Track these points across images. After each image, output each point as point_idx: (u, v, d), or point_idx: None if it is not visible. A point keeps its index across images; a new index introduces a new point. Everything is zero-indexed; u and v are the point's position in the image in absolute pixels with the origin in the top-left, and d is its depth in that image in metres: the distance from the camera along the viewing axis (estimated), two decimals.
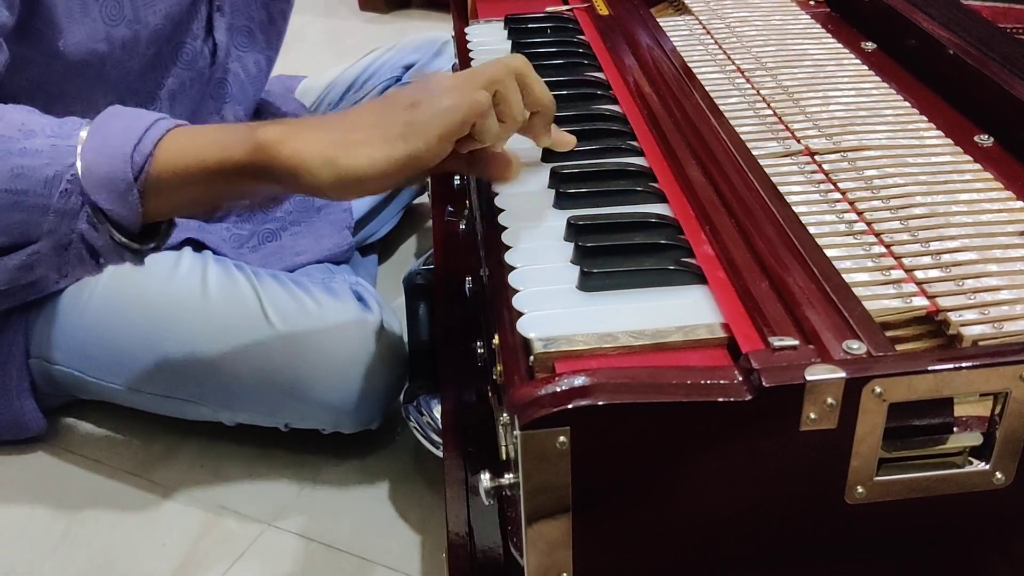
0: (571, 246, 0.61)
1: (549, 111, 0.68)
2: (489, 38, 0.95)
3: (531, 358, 0.52)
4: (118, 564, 0.91)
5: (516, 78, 0.65)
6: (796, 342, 0.50)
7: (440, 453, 0.87)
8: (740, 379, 0.48)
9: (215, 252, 1.04)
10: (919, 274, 0.59)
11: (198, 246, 1.04)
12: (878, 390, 0.48)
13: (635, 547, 0.52)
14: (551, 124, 0.69)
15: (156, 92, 0.97)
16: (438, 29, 1.38)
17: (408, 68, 1.31)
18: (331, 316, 0.97)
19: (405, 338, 1.00)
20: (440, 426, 0.89)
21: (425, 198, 1.32)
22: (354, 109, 0.67)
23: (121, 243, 0.68)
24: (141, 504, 0.97)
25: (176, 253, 1.02)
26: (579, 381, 0.47)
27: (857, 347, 0.50)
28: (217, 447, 1.03)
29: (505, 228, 0.64)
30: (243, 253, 1.09)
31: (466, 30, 0.98)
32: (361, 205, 1.22)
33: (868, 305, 0.55)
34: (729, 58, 0.89)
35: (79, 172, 0.65)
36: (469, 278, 0.86)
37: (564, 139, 0.71)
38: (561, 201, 0.66)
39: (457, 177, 1.01)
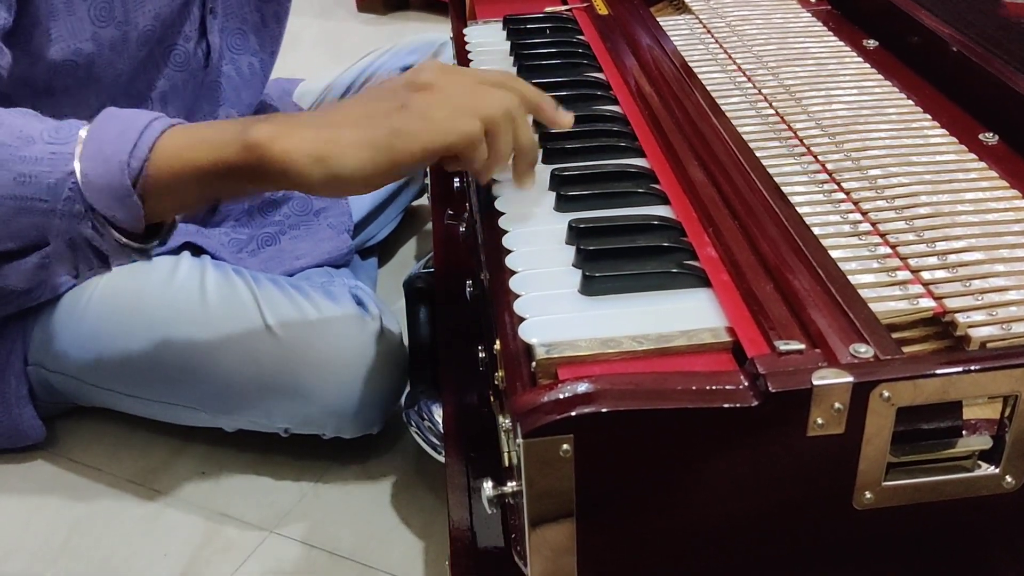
0: (572, 249, 0.60)
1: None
2: (488, 39, 0.94)
3: (533, 364, 0.52)
4: (120, 573, 0.90)
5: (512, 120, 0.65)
6: (802, 346, 0.49)
7: (442, 458, 0.86)
8: (746, 384, 0.47)
9: (213, 256, 1.04)
10: (925, 275, 0.58)
11: (196, 250, 1.04)
12: (886, 394, 0.47)
13: (641, 554, 0.51)
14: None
15: (148, 94, 0.97)
16: (436, 30, 1.37)
17: (406, 70, 1.30)
18: (331, 320, 0.96)
19: (406, 342, 1.00)
20: (442, 431, 0.88)
21: (425, 200, 1.31)
22: (346, 101, 0.68)
23: (125, 244, 0.69)
24: (142, 513, 0.97)
25: (174, 258, 1.01)
26: (582, 388, 0.47)
27: (864, 351, 0.49)
28: (217, 454, 1.03)
29: (506, 231, 0.64)
30: (242, 257, 1.08)
31: (464, 31, 0.97)
32: (360, 208, 1.21)
33: (874, 307, 0.54)
34: (730, 57, 0.88)
35: (79, 180, 0.66)
36: (470, 281, 0.85)
37: (564, 119, 0.71)
38: (562, 204, 0.66)
39: (457, 179, 1.00)
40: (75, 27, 0.87)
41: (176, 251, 1.02)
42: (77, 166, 0.66)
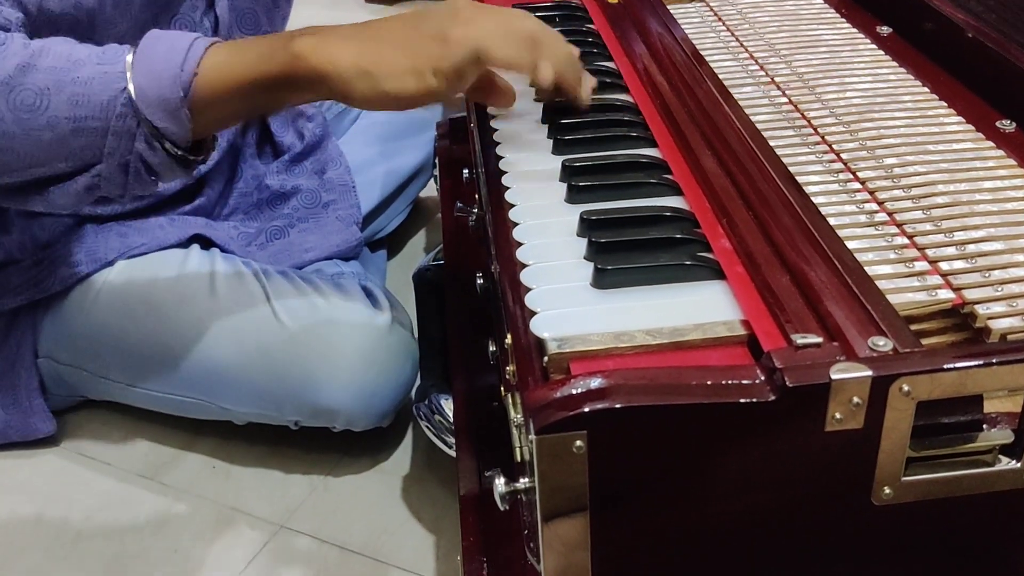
0: (584, 242, 0.59)
1: (575, 73, 0.73)
2: None
3: (545, 359, 0.51)
4: (131, 569, 0.90)
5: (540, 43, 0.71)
6: (820, 339, 0.48)
7: (453, 452, 0.86)
8: (762, 379, 0.46)
9: (223, 250, 1.03)
10: (944, 265, 0.57)
11: (206, 244, 1.03)
12: (906, 388, 0.46)
13: (655, 549, 0.51)
14: (580, 78, 0.74)
15: None
16: None
17: None
18: (340, 313, 0.96)
19: (416, 335, 0.99)
20: (452, 424, 0.87)
21: (434, 191, 1.30)
22: (380, 22, 0.72)
23: (176, 156, 0.72)
24: (152, 507, 0.96)
25: (184, 251, 1.01)
26: (595, 383, 0.46)
27: (883, 344, 0.48)
28: (228, 447, 1.02)
29: (516, 224, 0.63)
30: (251, 251, 1.07)
31: None
32: (369, 200, 1.20)
33: (892, 299, 0.53)
34: (742, 45, 0.87)
35: (132, 95, 0.70)
36: (480, 273, 0.84)
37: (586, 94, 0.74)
38: (573, 195, 0.65)
39: (466, 170, 0.99)
40: None
41: (185, 244, 1.02)
42: (130, 82, 0.69)
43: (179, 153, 0.72)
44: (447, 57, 0.68)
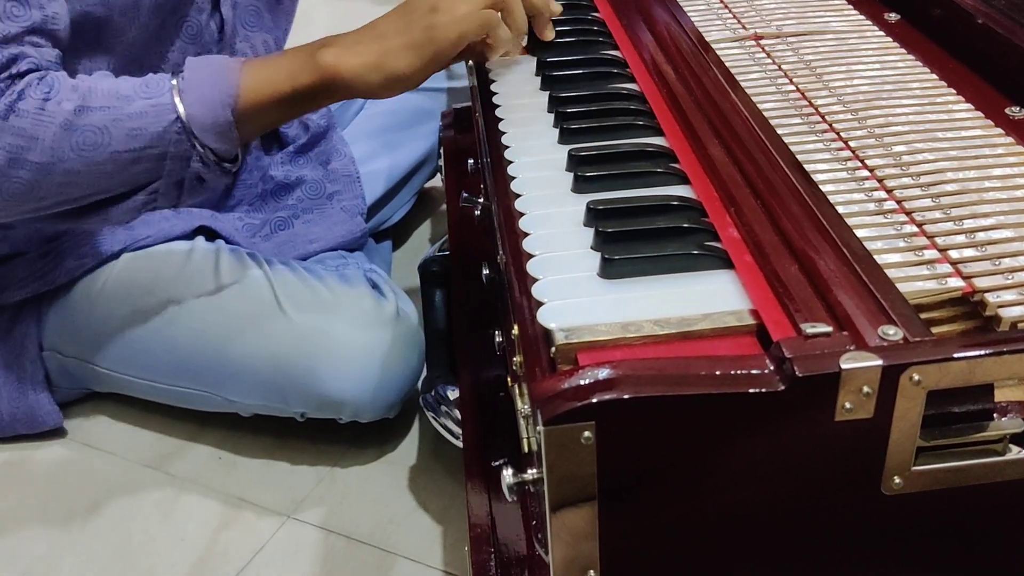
0: (591, 232, 0.59)
1: (545, 10, 0.84)
2: None
3: (552, 349, 0.51)
4: (138, 559, 0.90)
5: None
6: (829, 328, 0.48)
7: (459, 443, 0.86)
8: (772, 369, 0.46)
9: (228, 241, 1.03)
10: (953, 254, 0.57)
11: (211, 235, 1.03)
12: (916, 377, 0.46)
13: (664, 539, 0.51)
14: (550, 21, 0.85)
15: (159, 65, 0.96)
16: None
17: None
18: (345, 304, 0.96)
19: (422, 325, 0.99)
20: (459, 415, 0.87)
21: (439, 182, 1.30)
22: (379, 20, 0.80)
23: (223, 167, 0.80)
24: (159, 498, 0.96)
25: (189, 243, 1.01)
26: (603, 374, 0.46)
27: (893, 333, 0.48)
28: (234, 438, 1.02)
29: (523, 214, 0.62)
30: (256, 242, 1.07)
31: None
32: (374, 190, 1.20)
33: (902, 287, 0.53)
34: (748, 32, 0.87)
35: (186, 123, 0.77)
36: (486, 264, 0.84)
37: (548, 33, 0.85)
38: (579, 185, 0.65)
39: (472, 160, 0.99)
40: None
41: (190, 236, 1.02)
42: (181, 111, 0.76)
43: (225, 164, 0.80)
44: (439, 22, 0.76)
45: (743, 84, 0.76)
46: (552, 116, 0.74)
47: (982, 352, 0.46)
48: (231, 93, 0.77)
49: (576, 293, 0.55)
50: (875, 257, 0.55)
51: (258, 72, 0.79)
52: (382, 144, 1.23)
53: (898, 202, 0.62)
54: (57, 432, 1.04)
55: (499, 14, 0.79)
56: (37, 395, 1.02)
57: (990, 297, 0.54)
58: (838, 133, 0.70)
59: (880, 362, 0.45)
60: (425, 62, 0.77)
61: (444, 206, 1.29)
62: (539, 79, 0.80)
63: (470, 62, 0.88)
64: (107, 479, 0.99)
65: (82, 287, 0.98)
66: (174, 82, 0.78)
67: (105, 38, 0.90)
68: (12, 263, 0.98)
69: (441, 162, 1.18)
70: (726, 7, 0.93)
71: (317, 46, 0.78)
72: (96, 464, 1.01)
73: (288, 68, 0.78)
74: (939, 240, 0.58)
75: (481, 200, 0.85)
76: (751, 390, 0.45)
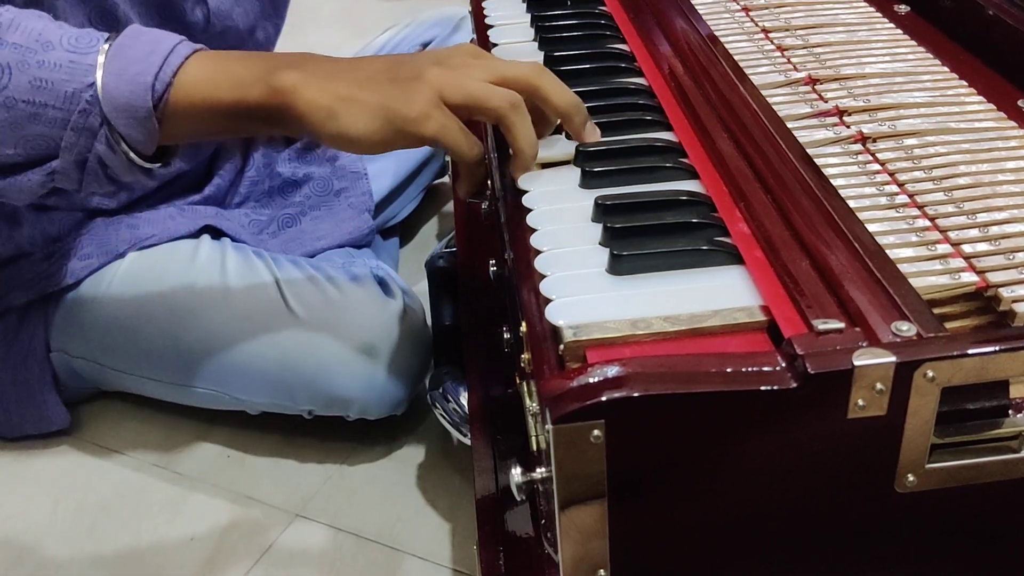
0: (599, 227, 0.58)
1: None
2: (507, 12, 0.92)
3: (561, 347, 0.50)
4: (147, 559, 0.90)
5: (530, 93, 0.65)
6: (842, 325, 0.47)
7: (467, 440, 0.85)
8: (783, 366, 0.46)
9: (234, 239, 1.03)
10: (967, 248, 0.56)
11: (217, 233, 1.03)
12: (930, 374, 0.45)
13: (674, 538, 0.50)
14: (586, 121, 0.68)
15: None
16: (455, 4, 1.35)
17: (426, 45, 1.29)
18: (352, 301, 0.95)
19: (429, 323, 0.99)
20: (467, 413, 0.87)
21: (446, 178, 1.29)
22: (369, 60, 0.68)
23: (134, 163, 0.68)
24: (167, 496, 0.96)
25: (195, 241, 1.00)
26: (612, 372, 0.45)
27: (907, 328, 0.47)
28: (241, 437, 1.02)
29: (530, 210, 0.62)
30: (262, 239, 1.07)
31: (483, 4, 0.95)
32: (381, 187, 1.19)
33: (914, 282, 0.52)
34: (757, 25, 0.86)
35: (99, 94, 0.65)
36: (493, 260, 0.84)
37: (592, 135, 0.68)
38: (587, 180, 0.64)
39: None
40: None
41: (196, 234, 1.01)
42: (99, 78, 0.65)
43: (140, 161, 0.68)
44: (410, 101, 0.63)
45: (752, 77, 0.75)
46: None
47: (997, 348, 0.46)
48: (163, 80, 0.65)
49: (584, 290, 0.54)
50: (887, 252, 0.54)
51: (204, 67, 0.67)
52: None
53: (910, 196, 0.61)
54: (65, 432, 1.04)
55: (520, 100, 0.64)
56: (45, 395, 1.02)
57: (1004, 292, 0.53)
58: (848, 126, 0.69)
59: (893, 359, 0.45)
60: (383, 140, 0.64)
61: (451, 203, 1.29)
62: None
63: None
64: (115, 478, 0.99)
65: (88, 287, 0.98)
66: (105, 45, 0.66)
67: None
68: (18, 264, 0.98)
69: (448, 158, 1.18)
70: (735, 0, 0.92)
71: (283, 62, 0.67)
72: (104, 463, 1.01)
73: (239, 75, 0.66)
74: (952, 234, 0.57)
75: (488, 196, 0.85)
76: (762, 387, 0.45)
